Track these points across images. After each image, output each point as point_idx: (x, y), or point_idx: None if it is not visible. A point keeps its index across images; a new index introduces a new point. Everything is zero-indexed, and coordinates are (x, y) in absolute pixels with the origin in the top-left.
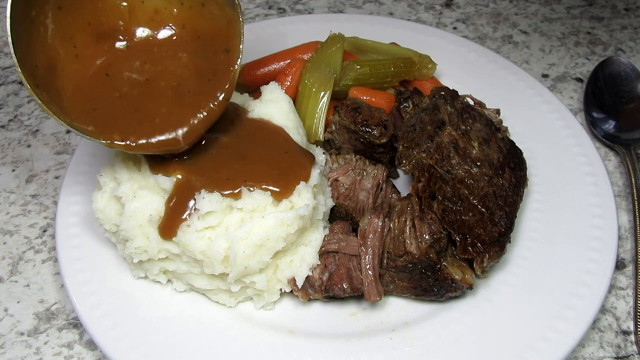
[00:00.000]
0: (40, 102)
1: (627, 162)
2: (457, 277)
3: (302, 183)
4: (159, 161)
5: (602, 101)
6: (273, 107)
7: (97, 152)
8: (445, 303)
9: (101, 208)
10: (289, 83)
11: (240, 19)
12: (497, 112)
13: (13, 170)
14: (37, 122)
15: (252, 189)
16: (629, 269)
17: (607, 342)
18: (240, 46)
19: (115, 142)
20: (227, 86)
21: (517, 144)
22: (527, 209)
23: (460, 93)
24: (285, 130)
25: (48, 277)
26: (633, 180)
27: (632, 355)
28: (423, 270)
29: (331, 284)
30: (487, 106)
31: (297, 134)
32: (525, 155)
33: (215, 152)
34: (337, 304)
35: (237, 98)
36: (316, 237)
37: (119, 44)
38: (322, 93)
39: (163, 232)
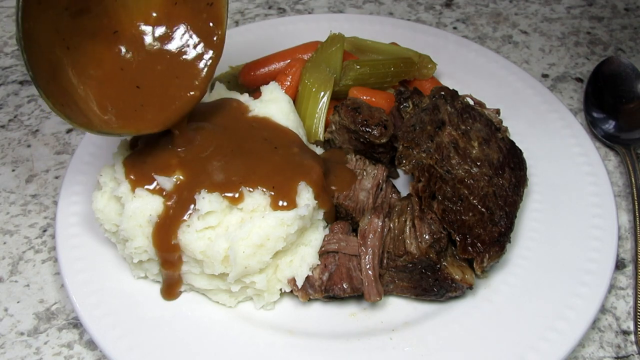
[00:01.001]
0: (69, 120)
1: (627, 162)
2: (457, 277)
3: (302, 183)
4: (159, 161)
5: (602, 101)
6: (273, 107)
7: (97, 152)
8: (445, 303)
9: (101, 208)
10: (289, 83)
11: None
12: (497, 112)
13: (13, 170)
14: (37, 122)
15: (251, 189)
16: (629, 269)
17: (607, 342)
18: None
19: (138, 130)
20: (214, 43)
21: (517, 144)
22: (527, 209)
23: (460, 93)
24: (291, 130)
25: (48, 277)
26: (633, 180)
27: (632, 355)
28: (423, 270)
29: (331, 284)
30: (487, 106)
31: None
32: (525, 155)
33: (218, 152)
34: (337, 304)
35: (237, 98)
36: (316, 237)
37: (95, 17)
38: (322, 93)
39: (160, 241)
